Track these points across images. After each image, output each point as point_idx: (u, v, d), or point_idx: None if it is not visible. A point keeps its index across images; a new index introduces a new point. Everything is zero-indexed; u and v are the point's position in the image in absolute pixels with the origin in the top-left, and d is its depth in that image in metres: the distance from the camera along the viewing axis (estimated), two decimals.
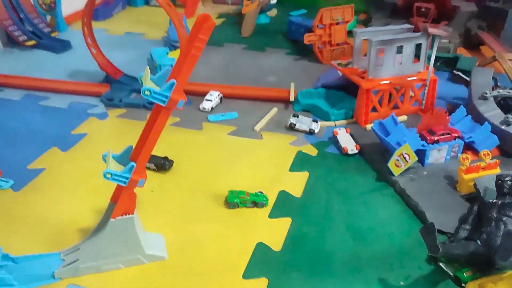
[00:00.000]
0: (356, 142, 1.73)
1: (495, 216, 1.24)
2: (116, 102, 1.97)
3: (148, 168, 1.58)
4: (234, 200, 1.43)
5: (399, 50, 1.80)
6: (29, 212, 1.41)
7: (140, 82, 1.04)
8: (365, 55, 1.85)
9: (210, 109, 1.98)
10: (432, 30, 1.69)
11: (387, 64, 1.79)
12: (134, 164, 1.10)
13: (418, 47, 1.82)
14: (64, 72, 2.26)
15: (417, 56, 1.84)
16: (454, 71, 2.13)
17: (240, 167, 1.64)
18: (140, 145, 1.13)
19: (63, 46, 2.47)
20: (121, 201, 1.15)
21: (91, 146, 1.74)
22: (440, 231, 1.34)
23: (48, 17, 2.64)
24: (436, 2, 2.63)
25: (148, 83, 1.07)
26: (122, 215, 1.17)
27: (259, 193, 1.47)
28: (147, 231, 1.29)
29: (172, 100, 1.07)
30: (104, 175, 1.10)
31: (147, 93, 1.06)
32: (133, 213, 1.18)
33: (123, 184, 1.12)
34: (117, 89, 2.05)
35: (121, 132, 1.81)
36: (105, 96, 2.01)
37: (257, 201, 1.44)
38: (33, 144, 1.73)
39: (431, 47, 1.80)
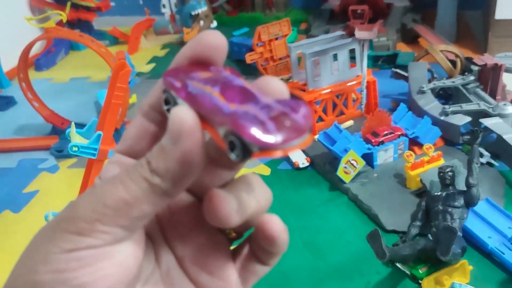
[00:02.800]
0: (307, 154, 1.75)
1: (441, 208, 1.27)
2: (66, 153, 1.95)
3: None
4: None
5: (336, 57, 1.84)
6: None
7: (68, 138, 1.04)
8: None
9: None
10: (359, 34, 1.73)
11: (324, 73, 1.82)
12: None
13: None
14: (12, 129, 2.23)
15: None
16: (393, 69, 2.18)
17: None
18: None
19: (7, 102, 2.43)
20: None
21: (44, 203, 1.71)
22: (394, 232, 1.37)
23: None
24: (370, 2, 2.69)
25: (76, 138, 1.07)
26: None
27: None
28: None
29: (102, 151, 1.07)
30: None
31: (75, 149, 1.06)
32: None
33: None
34: (66, 139, 2.03)
35: (73, 183, 1.79)
36: (54, 148, 1.99)
37: None
38: None
39: (369, 49, 1.84)
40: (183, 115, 0.26)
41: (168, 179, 0.26)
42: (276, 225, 0.32)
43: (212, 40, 0.29)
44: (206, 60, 0.30)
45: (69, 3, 2.67)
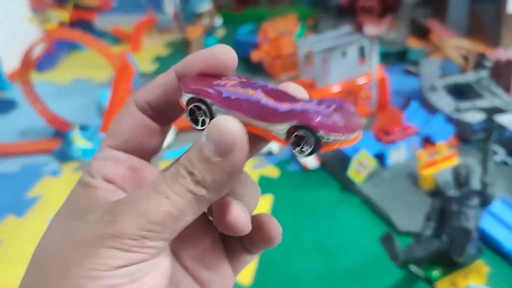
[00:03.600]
0: (317, 155, 1.71)
1: (455, 208, 1.23)
2: (69, 156, 1.92)
3: None
4: None
5: (345, 54, 1.79)
6: None
7: (71, 141, 1.01)
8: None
9: (166, 146, 1.95)
10: (368, 30, 1.68)
11: (333, 71, 1.78)
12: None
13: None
14: (14, 133, 2.20)
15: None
16: (406, 68, 2.13)
17: None
18: None
19: (8, 105, 2.40)
20: None
21: (48, 207, 1.68)
22: (408, 233, 1.33)
23: None
24: None
25: (79, 142, 1.04)
26: None
27: None
28: None
29: None
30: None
31: (78, 153, 1.02)
32: None
33: None
34: (69, 142, 2.00)
35: None
36: (58, 151, 1.95)
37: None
38: None
39: (379, 45, 1.79)
40: (234, 127, 0.26)
41: (214, 190, 0.27)
42: (275, 228, 0.33)
43: (226, 58, 0.30)
44: (215, 73, 0.30)
45: (71, 4, 2.64)
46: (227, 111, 0.28)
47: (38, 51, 2.74)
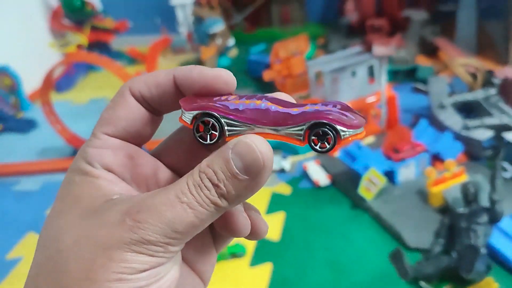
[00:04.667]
0: (328, 172, 1.74)
1: (464, 225, 1.25)
2: None
3: None
4: None
5: (355, 74, 1.83)
6: None
7: None
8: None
9: None
10: (377, 51, 1.73)
11: (343, 90, 1.82)
12: None
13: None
14: (34, 152, 2.27)
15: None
16: (414, 86, 2.16)
17: None
18: None
19: (29, 125, 2.47)
20: None
21: None
22: (417, 249, 1.35)
23: (13, 99, 2.65)
24: (387, 16, 2.68)
25: None
26: None
27: (236, 244, 1.46)
28: None
29: None
30: None
31: None
32: None
33: None
34: None
35: None
36: None
37: (235, 252, 1.44)
38: (8, 233, 1.72)
39: (388, 63, 1.83)
40: (265, 150, 0.27)
41: (236, 202, 0.28)
42: (262, 227, 0.34)
43: (227, 88, 0.31)
44: (213, 92, 0.31)
45: (88, 26, 2.72)
46: (239, 122, 0.29)
47: (56, 72, 2.83)
